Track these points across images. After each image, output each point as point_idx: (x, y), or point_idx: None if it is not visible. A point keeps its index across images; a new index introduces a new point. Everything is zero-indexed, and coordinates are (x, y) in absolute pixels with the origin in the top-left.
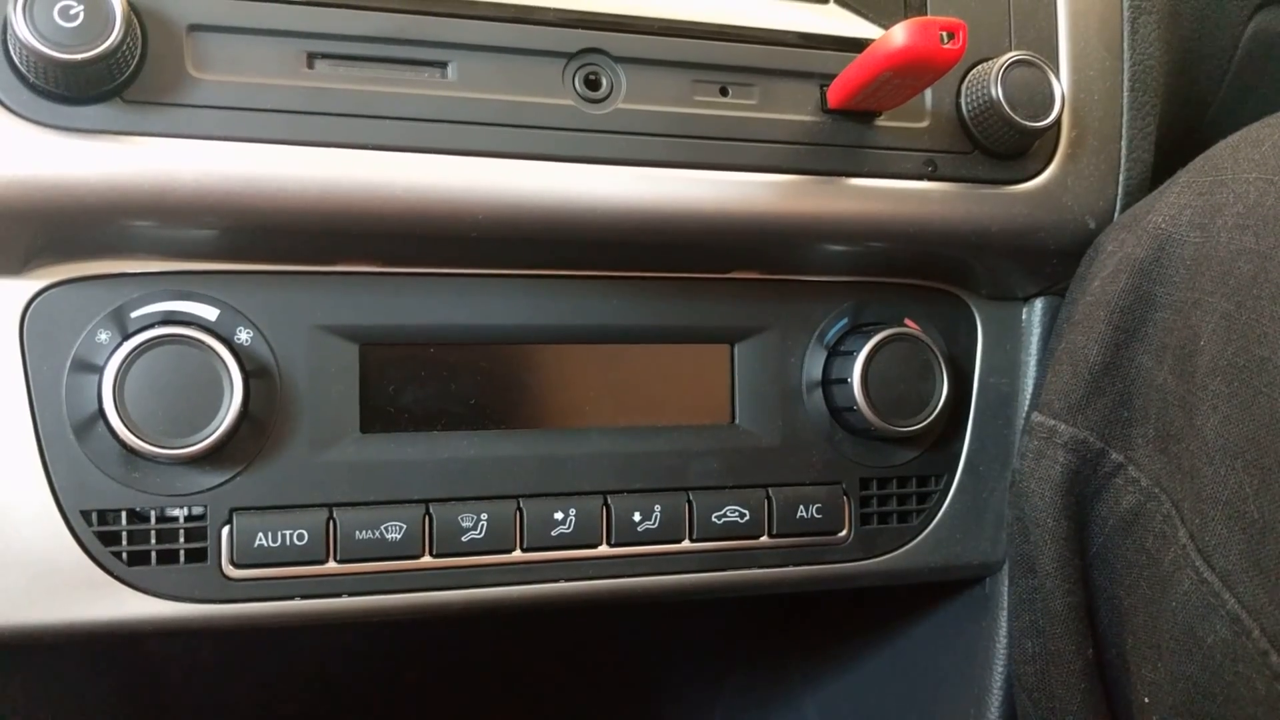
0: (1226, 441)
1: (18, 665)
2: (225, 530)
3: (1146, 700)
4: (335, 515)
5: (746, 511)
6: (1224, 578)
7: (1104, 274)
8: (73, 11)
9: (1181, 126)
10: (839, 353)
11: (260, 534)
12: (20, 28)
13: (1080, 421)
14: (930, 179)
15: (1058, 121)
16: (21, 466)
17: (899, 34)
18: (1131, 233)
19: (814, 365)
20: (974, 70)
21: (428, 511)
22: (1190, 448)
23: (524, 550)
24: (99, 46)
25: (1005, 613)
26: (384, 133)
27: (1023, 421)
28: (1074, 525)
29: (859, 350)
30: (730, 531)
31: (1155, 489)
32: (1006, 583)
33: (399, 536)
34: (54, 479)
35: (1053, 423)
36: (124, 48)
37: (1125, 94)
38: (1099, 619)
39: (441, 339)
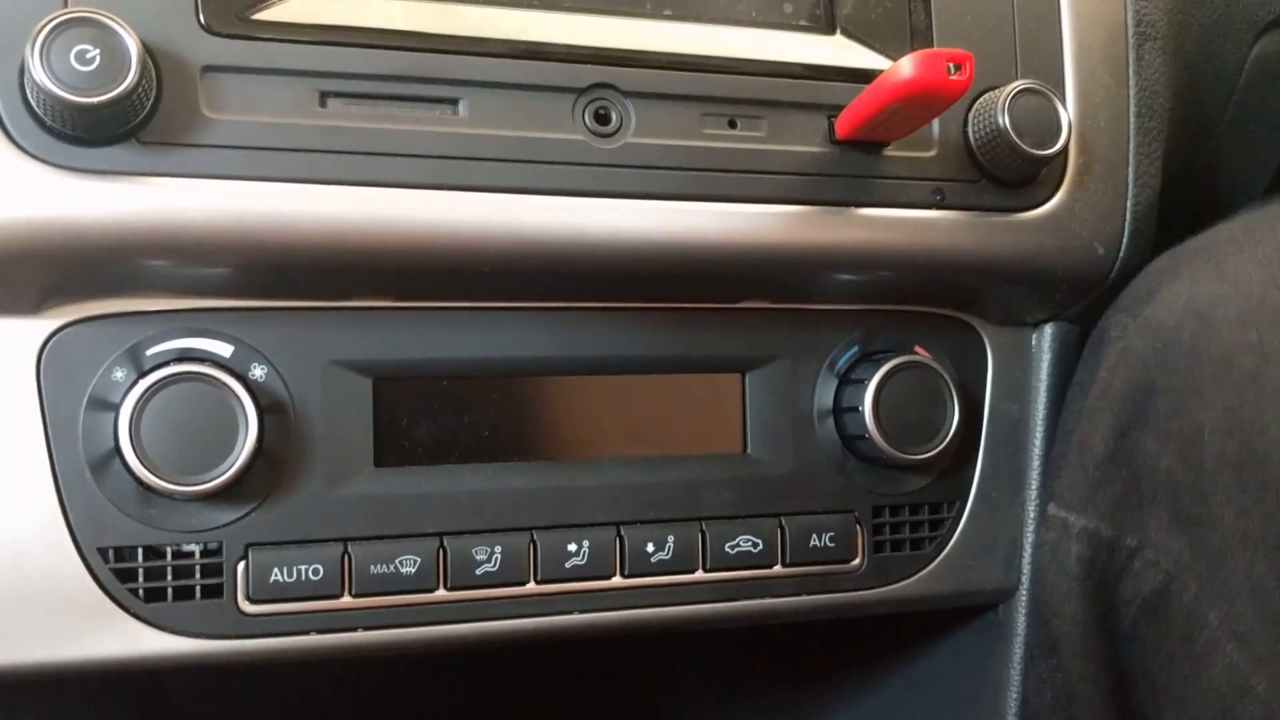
0: (1246, 531)
1: (29, 698)
2: (241, 566)
3: None
4: (350, 549)
5: (759, 541)
6: (1253, 662)
7: (1107, 364)
8: (89, 55)
9: (1186, 151)
10: (850, 381)
11: (276, 569)
12: (37, 72)
13: (1091, 511)
14: (938, 208)
15: (1065, 149)
16: (39, 504)
17: (906, 66)
18: (1132, 319)
19: (825, 394)
20: (981, 99)
21: (442, 545)
22: (1210, 536)
23: (538, 582)
24: (115, 90)
25: (1020, 638)
26: (396, 170)
27: (1035, 448)
28: (1099, 610)
29: (870, 378)
30: (743, 561)
31: (1177, 570)
32: (1021, 610)
33: (413, 570)
34: (71, 516)
35: (1065, 514)
36: (139, 90)
37: (1131, 120)
38: (1135, 696)
39: (454, 372)
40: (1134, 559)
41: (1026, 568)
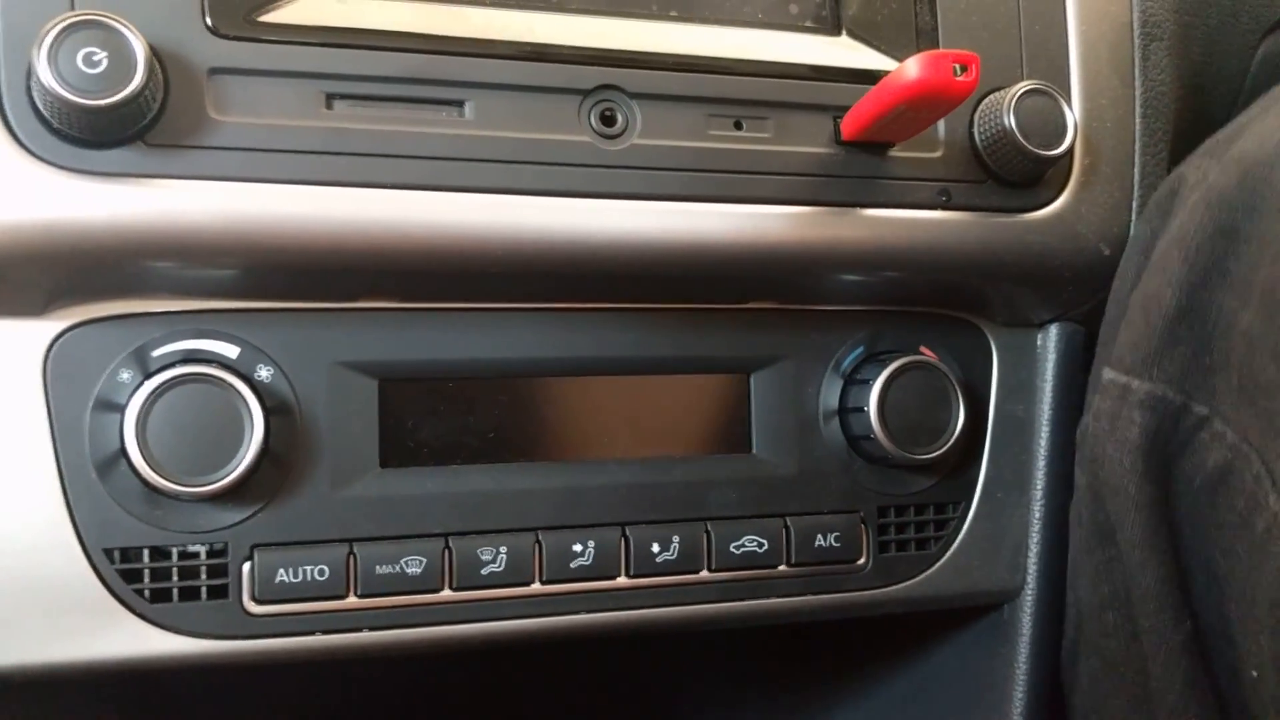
0: None
1: (34, 698)
2: (247, 567)
3: (1254, 674)
4: (356, 550)
5: (765, 541)
6: None
7: (1184, 208)
8: (96, 58)
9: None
10: (855, 381)
11: (281, 570)
12: (45, 74)
13: (1157, 375)
14: (944, 208)
15: (1071, 149)
16: (45, 505)
17: (912, 67)
18: (1216, 160)
19: (830, 394)
20: (987, 100)
21: (447, 545)
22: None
23: (543, 582)
24: (122, 92)
25: (1025, 639)
26: (403, 172)
27: (1040, 448)
28: (1159, 490)
29: (875, 379)
30: (749, 561)
31: (1244, 445)
32: (1027, 610)
33: (419, 570)
34: (77, 517)
35: (1126, 379)
36: (146, 92)
37: (1138, 121)
38: (1194, 585)
39: (459, 373)
40: (1200, 430)
41: (1032, 567)
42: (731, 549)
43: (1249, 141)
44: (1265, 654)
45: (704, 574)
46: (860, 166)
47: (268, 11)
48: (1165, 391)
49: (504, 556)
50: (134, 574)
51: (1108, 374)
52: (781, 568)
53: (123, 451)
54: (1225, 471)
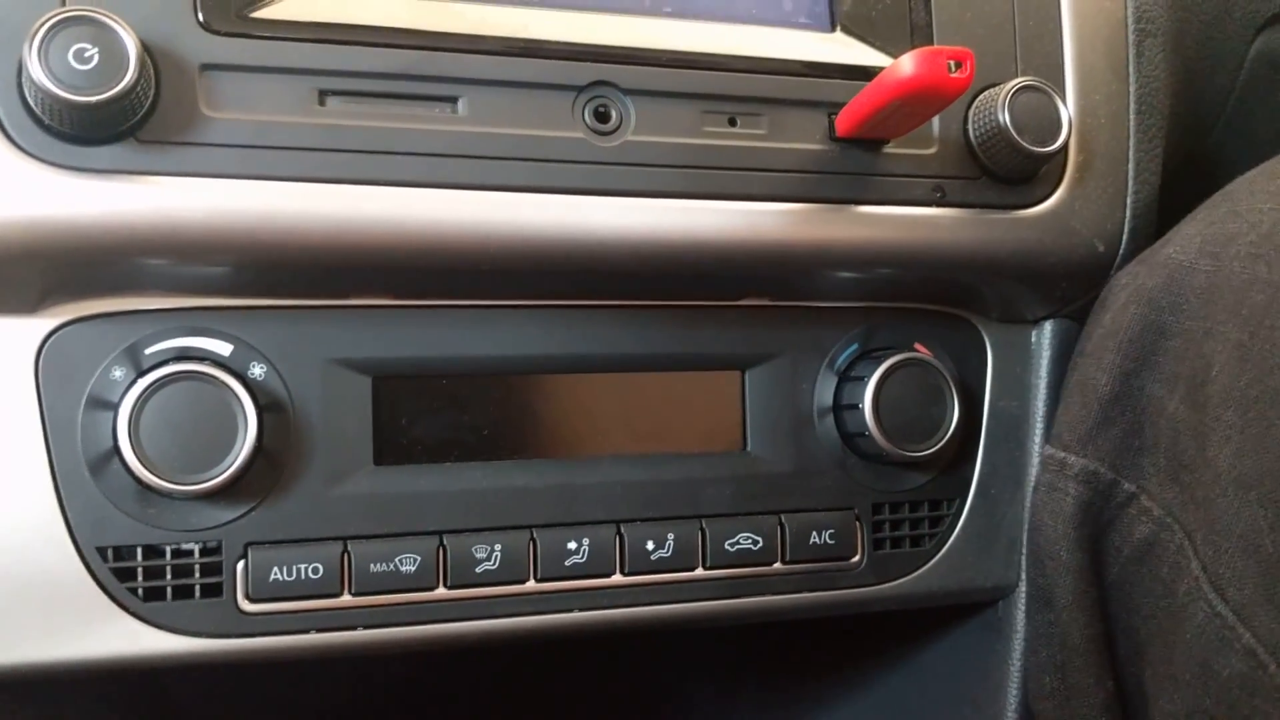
0: (1240, 474)
1: (29, 698)
2: (240, 565)
3: None
4: (350, 548)
5: (759, 538)
6: (1238, 611)
7: (1115, 306)
8: (87, 54)
9: (1185, 147)
10: (850, 378)
11: (275, 568)
12: (35, 71)
13: (1091, 452)
14: (939, 205)
15: (1065, 146)
16: (38, 503)
17: (907, 64)
18: (1145, 265)
19: (825, 391)
20: (981, 96)
21: (441, 543)
22: (1203, 478)
23: (538, 580)
24: (114, 88)
25: (1019, 635)
26: (396, 168)
27: (1034, 445)
28: (1089, 557)
29: (870, 375)
30: (743, 558)
31: (1168, 519)
32: (1020, 606)
33: (413, 568)
34: (70, 516)
35: (1063, 455)
36: (138, 89)
37: (1132, 117)
38: (1117, 650)
39: (453, 370)
40: (1129, 505)
41: (1026, 564)
42: (726, 546)
43: (1174, 246)
44: (1180, 713)
45: (699, 571)
46: (855, 163)
47: (260, 7)
48: (1098, 468)
49: (498, 554)
50: (128, 572)
51: (1047, 449)
52: (776, 565)
53: (116, 450)
54: (1150, 543)
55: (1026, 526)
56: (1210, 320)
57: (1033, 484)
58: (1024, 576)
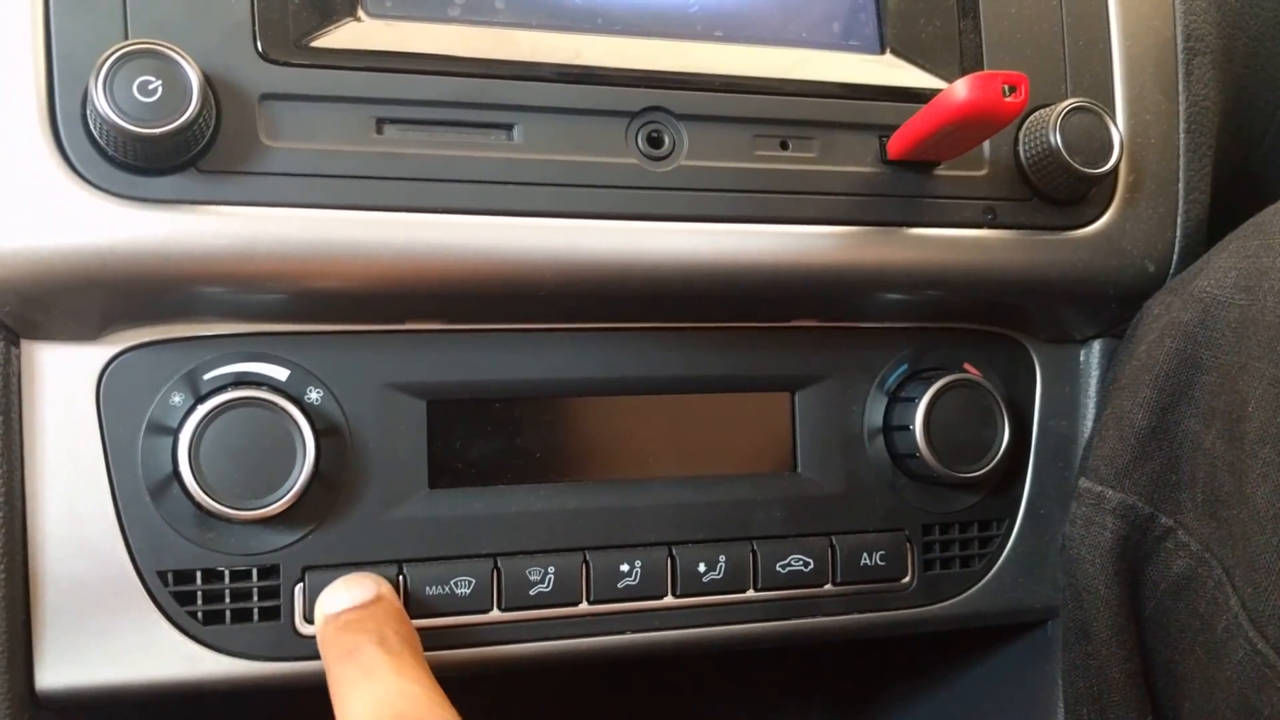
0: (1278, 510)
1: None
2: (298, 588)
3: None
4: (405, 571)
5: (810, 560)
6: (1278, 649)
7: (1150, 338)
8: (151, 86)
9: (1231, 164)
10: (900, 399)
11: None
12: (101, 103)
13: (1128, 486)
14: (990, 227)
15: (1116, 167)
16: (99, 528)
17: (961, 89)
18: (1178, 296)
19: (875, 412)
20: (1032, 117)
21: (496, 565)
22: (1240, 514)
23: (591, 602)
24: (177, 120)
25: None
26: (452, 196)
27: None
28: (1126, 591)
29: (920, 397)
30: (794, 580)
31: (1205, 554)
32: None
33: (468, 591)
34: (130, 541)
35: (1100, 488)
36: (200, 120)
37: (1181, 136)
38: (1156, 684)
39: (507, 394)
40: (1166, 539)
41: None
42: (777, 568)
43: (1208, 279)
44: None
45: (750, 593)
46: (906, 186)
47: (318, 37)
48: (1135, 502)
49: (552, 576)
50: (187, 596)
51: (1084, 483)
52: (827, 587)
53: (176, 475)
54: (1188, 578)
55: (1063, 559)
56: (1245, 355)
57: (1069, 517)
58: (1061, 611)
